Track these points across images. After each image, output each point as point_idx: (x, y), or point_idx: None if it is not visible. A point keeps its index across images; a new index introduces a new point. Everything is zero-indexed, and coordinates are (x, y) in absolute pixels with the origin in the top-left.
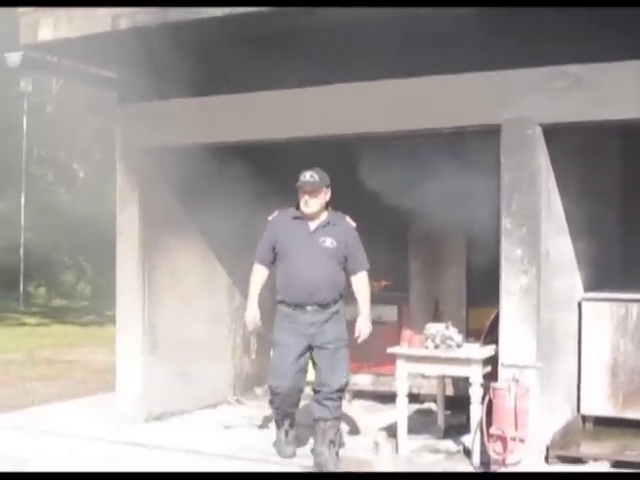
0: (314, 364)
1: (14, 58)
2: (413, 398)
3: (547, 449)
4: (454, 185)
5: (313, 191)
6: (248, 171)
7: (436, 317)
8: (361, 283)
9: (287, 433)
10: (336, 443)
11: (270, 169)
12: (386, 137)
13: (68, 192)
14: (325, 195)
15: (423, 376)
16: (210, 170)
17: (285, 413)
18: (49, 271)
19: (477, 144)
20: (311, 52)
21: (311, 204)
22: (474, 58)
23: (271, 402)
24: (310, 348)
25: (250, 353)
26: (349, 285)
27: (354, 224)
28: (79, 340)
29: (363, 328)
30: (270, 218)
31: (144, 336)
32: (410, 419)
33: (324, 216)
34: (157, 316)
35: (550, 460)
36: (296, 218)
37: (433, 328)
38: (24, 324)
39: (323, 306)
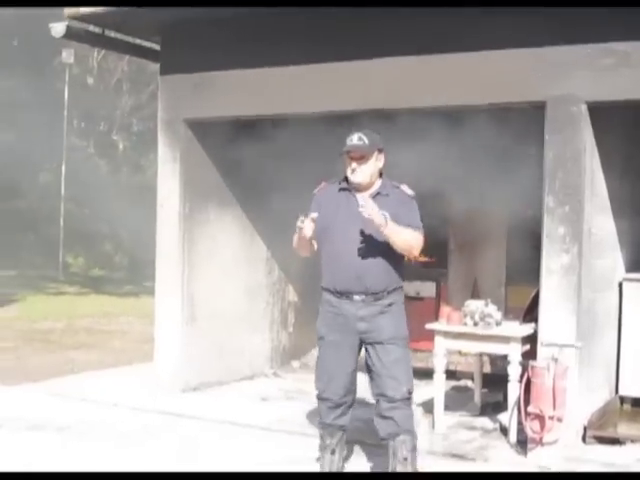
0: (368, 368)
1: (59, 29)
2: (450, 375)
3: (584, 429)
4: (495, 162)
5: (362, 157)
6: (290, 144)
7: (475, 294)
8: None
9: (333, 452)
10: (410, 461)
11: (314, 142)
12: (430, 112)
13: (108, 163)
14: (377, 161)
15: (460, 353)
16: (251, 142)
17: (332, 427)
18: (88, 241)
19: (520, 121)
20: (357, 24)
21: (359, 172)
22: (520, 34)
23: (319, 415)
24: (361, 346)
25: (288, 326)
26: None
27: (411, 192)
28: (117, 310)
29: (372, 205)
30: (316, 191)
31: (183, 307)
32: (446, 396)
33: (376, 186)
34: (196, 287)
35: (587, 440)
36: (343, 190)
37: (472, 305)
38: (63, 293)
39: (374, 296)
